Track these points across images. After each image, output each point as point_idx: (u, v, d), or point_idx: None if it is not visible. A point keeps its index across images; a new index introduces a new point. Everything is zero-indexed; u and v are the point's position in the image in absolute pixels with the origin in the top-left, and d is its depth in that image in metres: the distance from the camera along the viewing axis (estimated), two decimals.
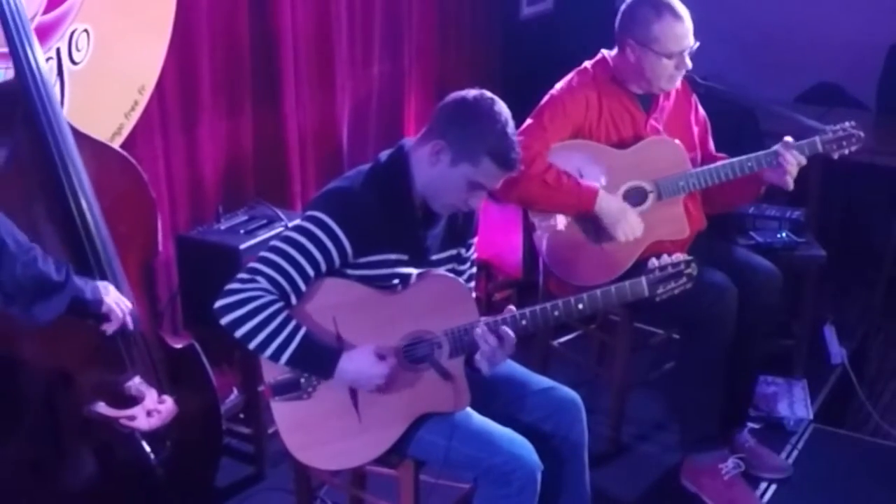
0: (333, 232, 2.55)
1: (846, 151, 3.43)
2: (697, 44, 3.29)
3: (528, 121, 3.35)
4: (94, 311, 2.57)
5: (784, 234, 4.01)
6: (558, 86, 3.42)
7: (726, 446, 3.52)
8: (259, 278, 2.52)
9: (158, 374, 2.87)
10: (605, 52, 3.45)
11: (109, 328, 2.62)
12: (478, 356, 2.65)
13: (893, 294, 4.74)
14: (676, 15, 3.26)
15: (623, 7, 3.37)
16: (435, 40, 4.78)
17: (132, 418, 2.69)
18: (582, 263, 3.38)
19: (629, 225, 3.32)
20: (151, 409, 2.71)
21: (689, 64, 3.32)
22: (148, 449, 2.79)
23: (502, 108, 2.61)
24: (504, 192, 3.19)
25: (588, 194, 3.29)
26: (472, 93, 2.63)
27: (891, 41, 5.25)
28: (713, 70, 3.58)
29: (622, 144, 3.40)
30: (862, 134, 3.42)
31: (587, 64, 3.46)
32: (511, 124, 2.60)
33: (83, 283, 2.52)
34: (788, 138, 3.37)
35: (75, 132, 2.73)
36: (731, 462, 3.45)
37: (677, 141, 3.43)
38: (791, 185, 3.37)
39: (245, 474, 3.54)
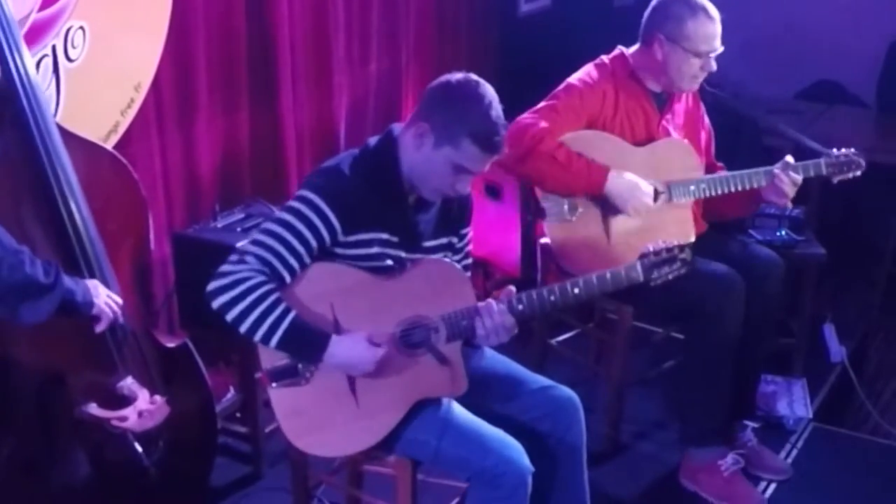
0: (320, 209, 2.54)
1: (848, 177, 3.49)
2: (722, 48, 3.30)
3: (542, 103, 3.35)
4: (83, 313, 2.56)
5: (783, 232, 4.00)
6: (576, 75, 3.41)
7: (728, 444, 3.51)
8: (249, 258, 2.51)
9: (151, 373, 2.85)
10: (622, 48, 3.45)
11: (99, 327, 2.60)
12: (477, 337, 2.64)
13: (893, 292, 4.73)
14: (710, 16, 3.29)
15: (655, 2, 3.38)
16: (432, 37, 4.76)
17: (123, 419, 2.67)
18: (588, 256, 3.36)
19: (638, 200, 3.30)
20: (143, 409, 2.69)
21: (714, 66, 3.32)
22: (140, 450, 2.77)
23: (487, 90, 2.57)
24: (514, 166, 3.24)
25: (598, 174, 3.28)
26: (456, 76, 2.61)
27: (891, 39, 5.25)
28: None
29: (635, 142, 3.40)
30: (863, 162, 3.47)
31: (605, 58, 3.45)
32: (496, 107, 2.56)
33: (74, 285, 2.50)
34: (789, 158, 3.41)
35: (65, 132, 2.71)
36: (730, 458, 3.44)
37: (686, 143, 3.44)
38: (789, 205, 3.44)
39: (242, 473, 3.53)
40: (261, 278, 2.49)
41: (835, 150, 3.50)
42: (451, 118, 2.54)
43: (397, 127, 2.69)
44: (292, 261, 2.53)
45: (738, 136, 4.62)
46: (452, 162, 2.56)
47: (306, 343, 2.54)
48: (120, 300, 2.66)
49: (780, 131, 4.07)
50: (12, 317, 2.39)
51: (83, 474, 2.80)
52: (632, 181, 3.31)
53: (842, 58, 5.32)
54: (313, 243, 2.55)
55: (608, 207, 3.35)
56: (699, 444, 3.46)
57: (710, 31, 3.29)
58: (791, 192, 3.39)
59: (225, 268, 2.52)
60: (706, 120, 3.62)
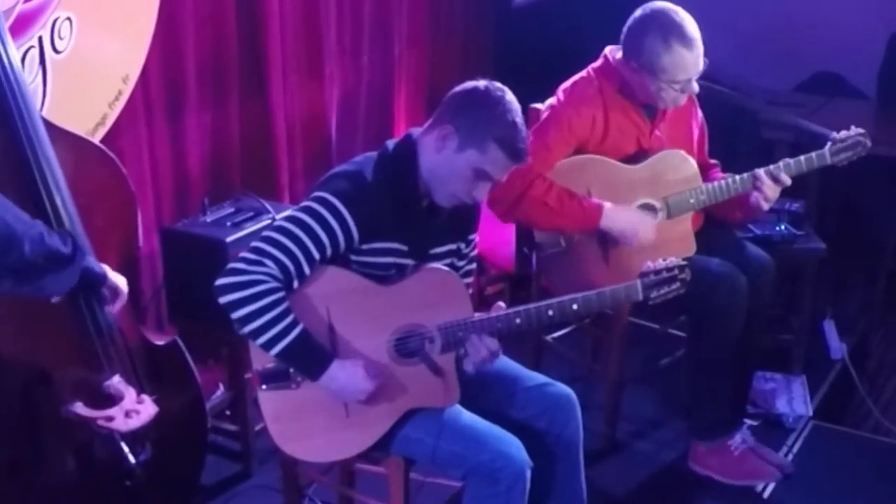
0: (340, 214, 2.51)
1: (854, 158, 3.39)
2: (707, 62, 3.21)
3: (530, 136, 3.27)
4: (100, 284, 2.55)
5: (783, 227, 3.95)
6: (561, 97, 3.32)
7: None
8: (266, 261, 2.47)
9: (138, 372, 2.81)
10: (609, 54, 3.34)
11: (116, 305, 2.63)
12: (466, 360, 2.61)
13: (894, 287, 4.69)
14: (686, 42, 3.15)
15: (631, 24, 3.25)
16: (426, 28, 4.72)
17: (110, 419, 2.62)
18: (586, 282, 3.28)
19: (645, 235, 3.24)
20: (130, 409, 2.64)
21: (696, 88, 3.24)
22: (127, 450, 2.71)
23: (512, 98, 2.58)
24: (505, 214, 3.22)
25: (592, 214, 3.22)
26: (482, 82, 2.60)
27: (891, 30, 5.21)
28: (712, 61, 3.51)
29: (628, 158, 3.33)
30: (869, 143, 3.39)
31: (591, 71, 3.34)
32: (521, 116, 2.57)
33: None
34: (785, 160, 3.34)
35: (51, 126, 2.66)
36: (738, 437, 3.45)
37: (682, 153, 3.37)
38: (766, 208, 3.34)
39: (231, 472, 3.50)
40: (274, 284, 2.46)
41: (841, 132, 3.38)
42: (479, 121, 2.53)
43: (416, 130, 2.67)
44: (306, 267, 2.50)
45: (736, 130, 4.58)
46: (475, 166, 2.54)
47: (307, 360, 2.52)
48: (124, 279, 2.66)
49: (781, 121, 4.01)
50: (38, 292, 2.37)
51: (69, 474, 2.76)
52: (632, 217, 3.26)
53: (841, 49, 5.28)
54: (328, 249, 2.52)
55: (605, 235, 3.28)
56: (707, 437, 3.46)
57: (688, 60, 3.16)
58: (772, 195, 3.30)
59: (240, 265, 2.48)
60: (699, 114, 3.53)
